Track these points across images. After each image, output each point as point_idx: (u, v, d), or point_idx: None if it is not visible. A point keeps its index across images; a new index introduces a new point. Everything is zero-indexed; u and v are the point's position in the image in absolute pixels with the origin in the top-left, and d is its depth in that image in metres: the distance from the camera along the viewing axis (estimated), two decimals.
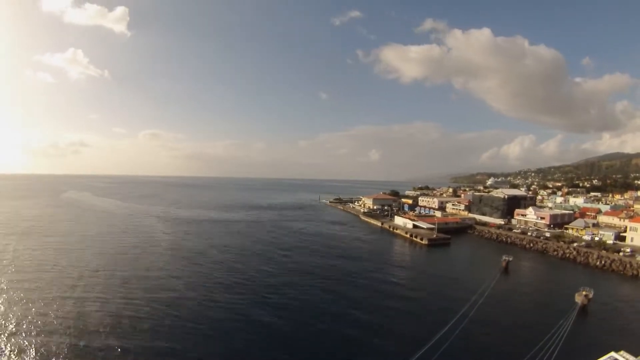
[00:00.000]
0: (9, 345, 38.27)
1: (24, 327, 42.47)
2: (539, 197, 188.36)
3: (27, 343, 38.61)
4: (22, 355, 36.55)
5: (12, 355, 36.59)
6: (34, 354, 36.72)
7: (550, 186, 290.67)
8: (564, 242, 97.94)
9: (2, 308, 47.92)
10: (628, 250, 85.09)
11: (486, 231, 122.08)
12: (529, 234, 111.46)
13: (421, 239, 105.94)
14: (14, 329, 41.81)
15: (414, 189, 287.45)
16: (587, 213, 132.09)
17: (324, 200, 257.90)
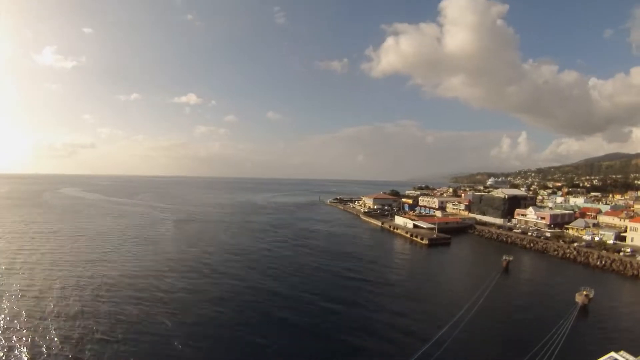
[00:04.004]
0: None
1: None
2: (539, 197, 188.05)
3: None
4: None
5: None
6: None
7: (551, 186, 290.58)
8: (564, 242, 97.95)
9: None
10: (628, 250, 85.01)
11: (486, 231, 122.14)
12: (529, 233, 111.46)
13: (421, 239, 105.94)
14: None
15: (414, 189, 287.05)
16: (588, 213, 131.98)
17: (323, 200, 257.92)
